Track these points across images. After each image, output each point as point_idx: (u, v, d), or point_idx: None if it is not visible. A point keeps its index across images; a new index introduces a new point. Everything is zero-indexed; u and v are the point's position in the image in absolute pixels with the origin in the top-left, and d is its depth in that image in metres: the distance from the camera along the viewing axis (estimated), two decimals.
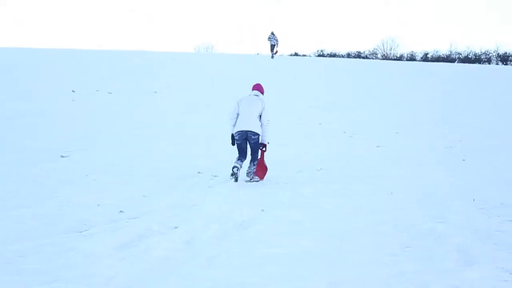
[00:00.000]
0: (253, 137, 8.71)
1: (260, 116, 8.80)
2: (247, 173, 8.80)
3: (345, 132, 13.35)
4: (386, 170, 9.54)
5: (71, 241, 5.67)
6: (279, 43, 33.13)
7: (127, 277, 4.80)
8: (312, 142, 12.17)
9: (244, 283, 4.72)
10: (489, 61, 49.14)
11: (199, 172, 9.20)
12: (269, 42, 33.14)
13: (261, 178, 8.93)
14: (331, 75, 26.73)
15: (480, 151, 11.16)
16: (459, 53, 51.34)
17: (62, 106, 15.55)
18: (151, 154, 10.49)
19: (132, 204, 7.17)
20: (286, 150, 10.92)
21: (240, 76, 22.10)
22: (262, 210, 7.04)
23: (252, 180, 8.78)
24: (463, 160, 10.36)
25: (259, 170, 8.92)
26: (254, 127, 8.70)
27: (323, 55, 54.20)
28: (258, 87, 9.19)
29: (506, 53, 48.91)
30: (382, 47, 57.95)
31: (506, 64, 47.19)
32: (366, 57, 54.30)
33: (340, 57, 53.13)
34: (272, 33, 32.71)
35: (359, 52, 55.97)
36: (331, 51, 56.12)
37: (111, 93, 18.24)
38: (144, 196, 7.65)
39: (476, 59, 49.23)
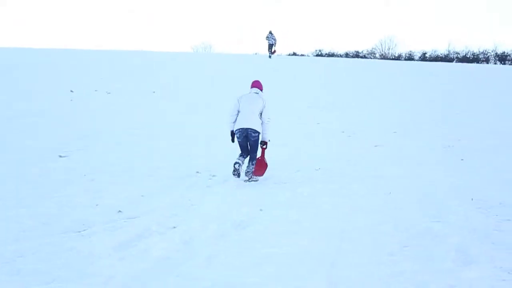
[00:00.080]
0: (253, 134, 8.72)
1: (261, 114, 8.81)
2: (245, 172, 8.81)
3: (343, 132, 13.35)
4: (385, 169, 9.54)
5: (70, 241, 5.68)
6: (277, 42, 33.12)
7: (126, 276, 4.81)
8: (310, 142, 12.17)
9: (243, 283, 4.73)
10: (487, 60, 49.20)
11: (197, 172, 9.21)
12: (267, 41, 33.12)
13: (261, 174, 8.95)
14: (330, 74, 26.74)
15: (479, 151, 11.16)
16: (457, 53, 51.45)
17: (61, 106, 15.53)
18: (150, 154, 10.49)
19: (131, 204, 7.17)
20: (285, 149, 10.92)
21: (239, 76, 22.10)
22: (261, 210, 7.05)
23: (250, 179, 8.78)
24: (462, 159, 10.36)
25: (259, 168, 8.94)
26: (254, 125, 8.71)
27: (321, 55, 54.23)
28: (257, 84, 9.19)
29: (504, 52, 49.01)
30: (380, 47, 58.08)
31: (504, 64, 47.24)
32: (364, 57, 54.35)
33: (338, 56, 53.14)
34: (270, 32, 32.67)
35: (358, 52, 56.03)
36: (329, 51, 56.21)
37: (109, 93, 18.22)
38: (142, 196, 7.65)
39: (474, 59, 49.29)
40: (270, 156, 9.29)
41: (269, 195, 7.83)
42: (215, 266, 5.12)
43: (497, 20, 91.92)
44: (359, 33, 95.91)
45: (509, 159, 10.44)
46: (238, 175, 8.64)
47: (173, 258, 5.30)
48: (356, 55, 55.02)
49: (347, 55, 54.92)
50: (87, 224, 6.27)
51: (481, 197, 7.68)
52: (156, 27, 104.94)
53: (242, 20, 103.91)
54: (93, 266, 5.00)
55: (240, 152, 8.88)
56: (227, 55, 40.16)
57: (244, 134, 8.71)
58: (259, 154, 9.00)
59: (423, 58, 51.01)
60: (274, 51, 33.55)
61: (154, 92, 18.88)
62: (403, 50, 65.12)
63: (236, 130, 8.77)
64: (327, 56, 52.37)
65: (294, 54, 54.45)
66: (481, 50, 50.05)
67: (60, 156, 9.98)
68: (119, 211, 6.83)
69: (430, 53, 51.88)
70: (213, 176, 8.99)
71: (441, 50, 52.77)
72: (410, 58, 51.92)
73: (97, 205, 7.10)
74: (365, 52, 56.60)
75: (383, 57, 55.20)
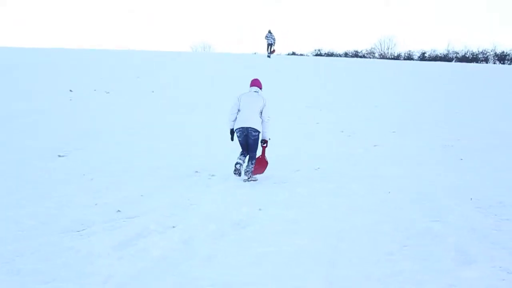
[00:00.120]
0: (253, 133, 8.74)
1: (261, 112, 8.83)
2: (245, 172, 8.81)
3: (343, 132, 13.35)
4: (384, 169, 9.54)
5: (69, 240, 5.68)
6: (276, 42, 33.08)
7: (124, 276, 4.81)
8: (310, 142, 12.17)
9: (242, 282, 4.74)
10: (486, 60, 49.21)
11: (196, 172, 9.21)
12: (266, 40, 33.07)
13: (262, 172, 8.98)
14: (329, 74, 26.73)
15: (478, 151, 11.17)
16: (457, 53, 51.46)
17: (60, 105, 15.53)
18: (149, 154, 10.49)
19: (130, 204, 7.17)
20: (284, 149, 10.92)
21: (238, 75, 22.08)
22: (259, 209, 7.05)
23: (249, 179, 8.78)
24: (461, 159, 10.37)
25: (260, 166, 8.96)
26: (255, 124, 8.73)
27: (320, 55, 54.21)
28: (256, 83, 9.20)
29: (503, 52, 49.01)
30: (379, 47, 58.06)
31: (503, 63, 47.26)
32: (363, 57, 54.35)
33: (337, 56, 53.14)
34: (269, 32, 32.60)
35: (357, 52, 56.04)
36: (328, 50, 56.20)
37: (108, 92, 18.22)
38: (141, 195, 7.65)
39: (473, 58, 49.29)
40: (269, 155, 9.30)
41: (268, 195, 7.83)
42: (214, 266, 5.12)
43: (496, 20, 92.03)
44: (358, 32, 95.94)
45: (509, 158, 10.44)
46: (239, 174, 8.70)
47: (172, 258, 5.30)
48: (355, 54, 55.03)
49: (346, 54, 54.93)
50: (86, 224, 6.27)
51: (480, 196, 7.69)
52: (155, 26, 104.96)
53: (242, 20, 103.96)
54: (92, 266, 5.00)
55: (240, 151, 8.91)
56: (227, 54, 40.12)
57: (244, 134, 8.73)
58: (259, 153, 9.01)
59: (422, 57, 51.01)
60: (273, 50, 33.50)
61: (153, 91, 18.88)
62: (402, 49, 65.12)
63: (236, 129, 8.78)
64: (326, 56, 52.35)
65: (293, 53, 54.46)
66: (480, 50, 50.13)
67: (59, 156, 9.98)
68: (118, 210, 6.83)
69: (429, 52, 51.94)
70: (212, 175, 8.99)
71: (440, 50, 52.90)
72: (409, 57, 51.94)
73: (96, 204, 7.10)
74: (364, 51, 56.65)
75: (382, 56, 55.21)
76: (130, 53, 34.93)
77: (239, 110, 8.85)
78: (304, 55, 52.87)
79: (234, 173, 8.68)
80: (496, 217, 6.75)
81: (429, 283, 4.73)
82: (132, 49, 44.61)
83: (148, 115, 14.75)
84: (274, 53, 34.35)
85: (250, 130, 8.71)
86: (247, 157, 8.88)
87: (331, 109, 16.85)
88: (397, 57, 53.02)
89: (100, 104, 16.13)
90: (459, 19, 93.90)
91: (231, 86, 18.12)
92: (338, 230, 6.23)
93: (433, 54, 51.58)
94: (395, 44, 58.36)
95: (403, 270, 5.01)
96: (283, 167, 9.55)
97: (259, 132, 8.79)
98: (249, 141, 8.77)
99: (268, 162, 9.04)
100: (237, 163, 8.66)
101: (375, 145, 11.73)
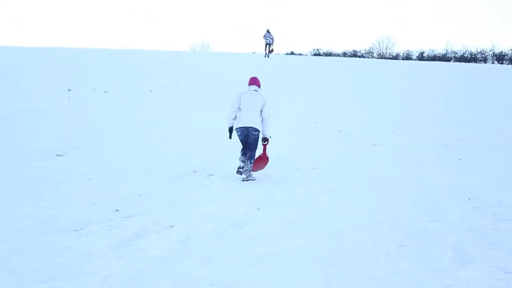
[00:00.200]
0: (253, 133, 8.77)
1: (261, 111, 8.86)
2: (243, 170, 8.82)
3: (341, 131, 13.36)
4: (382, 169, 9.54)
5: (67, 240, 5.67)
6: (274, 41, 33.04)
7: (123, 275, 4.80)
8: (308, 141, 12.17)
9: (240, 282, 4.73)
10: (485, 60, 49.22)
11: (195, 171, 9.20)
12: (264, 40, 33.00)
13: (262, 167, 9.03)
14: (328, 74, 26.74)
15: (477, 150, 11.17)
16: (455, 52, 51.42)
17: (59, 105, 15.51)
18: (148, 154, 10.48)
19: (128, 203, 7.16)
20: (283, 149, 10.91)
21: (238, 75, 22.05)
22: (258, 209, 7.05)
23: (248, 178, 8.78)
24: (459, 159, 10.37)
25: (260, 162, 9.01)
26: (255, 123, 8.78)
27: (319, 54, 54.19)
28: (255, 81, 9.21)
29: (502, 52, 49.01)
30: (378, 46, 58.03)
31: (501, 63, 47.28)
32: (362, 56, 54.34)
33: (336, 56, 53.13)
34: (268, 31, 32.55)
35: (355, 51, 56.01)
36: (327, 50, 56.16)
37: (107, 92, 18.20)
38: (140, 195, 7.65)
39: (472, 58, 49.30)
40: (268, 155, 9.29)
41: (267, 194, 7.83)
42: (213, 265, 5.12)
43: (495, 20, 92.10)
44: (356, 32, 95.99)
45: (508, 158, 10.44)
46: (241, 174, 8.79)
47: (170, 257, 5.29)
48: (354, 54, 55.00)
49: (344, 54, 54.91)
50: (84, 223, 6.26)
51: (478, 196, 7.69)
52: (154, 26, 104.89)
53: (241, 19, 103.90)
54: (90, 265, 4.99)
55: (241, 151, 8.96)
56: (225, 54, 40.12)
57: (245, 133, 8.77)
58: (258, 152, 9.02)
59: (421, 57, 51.01)
60: (272, 50, 33.48)
61: (151, 91, 18.86)
62: (401, 49, 65.08)
63: (237, 128, 8.81)
64: (325, 56, 52.33)
65: (292, 53, 54.42)
66: (479, 50, 50.10)
67: (58, 155, 9.96)
68: (117, 210, 6.82)
69: (428, 52, 51.89)
70: (211, 175, 8.99)
71: (439, 50, 52.67)
72: (408, 57, 51.94)
73: (94, 204, 7.09)
74: (362, 51, 56.62)
75: (381, 56, 55.20)
76: (128, 52, 34.90)
77: (239, 109, 8.87)
78: (302, 55, 52.86)
79: (237, 173, 8.86)
80: (495, 217, 6.75)
81: (427, 283, 4.73)
82: (130, 48, 44.59)
83: (148, 115, 14.73)
84: (273, 53, 34.32)
85: (251, 129, 8.74)
86: (247, 156, 8.89)
87: (329, 109, 16.85)
88: (395, 57, 53.01)
89: (99, 104, 16.11)
90: (458, 19, 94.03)
91: (231, 85, 18.09)
92: (337, 230, 6.22)
93: (432, 54, 51.56)
94: (393, 44, 58.25)
95: (402, 270, 5.01)
96: (281, 167, 9.55)
97: (259, 131, 8.83)
98: (249, 140, 8.79)
99: (269, 158, 9.05)
100: (240, 167, 8.82)
101: (373, 145, 11.74)
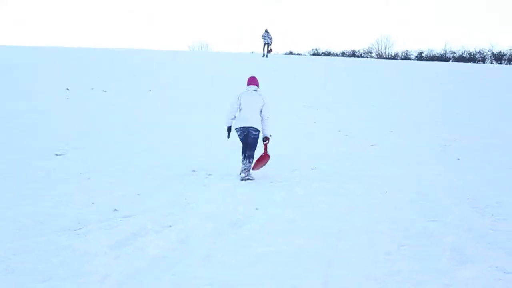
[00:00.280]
0: (254, 133, 8.81)
1: (261, 111, 8.88)
2: (242, 170, 8.83)
3: (340, 131, 13.36)
4: (381, 169, 9.55)
5: (66, 239, 5.66)
6: (273, 41, 32.96)
7: (121, 275, 4.80)
8: (307, 141, 12.18)
9: (239, 281, 4.73)
10: (483, 60, 49.23)
11: (193, 171, 9.20)
12: (262, 40, 32.95)
13: (263, 164, 9.05)
14: (326, 74, 26.74)
15: (475, 150, 11.18)
16: (454, 52, 51.41)
17: (58, 104, 15.49)
18: (147, 153, 10.47)
19: (127, 203, 7.16)
20: (281, 149, 10.91)
21: (236, 75, 22.04)
22: (257, 209, 7.05)
23: (247, 177, 8.78)
24: (458, 159, 10.38)
25: (262, 162, 9.04)
26: (255, 123, 8.82)
27: (318, 54, 54.17)
28: (254, 81, 9.22)
29: (500, 52, 49.02)
30: (376, 46, 58.01)
31: (500, 63, 47.29)
32: (361, 56, 54.33)
33: (335, 55, 53.10)
34: (266, 31, 32.48)
35: (354, 51, 55.99)
36: (326, 50, 56.12)
37: (105, 91, 18.19)
38: (138, 194, 7.64)
39: (470, 58, 49.31)
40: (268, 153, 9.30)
41: (266, 194, 7.84)
42: (212, 265, 5.12)
43: (494, 20, 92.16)
44: (355, 32, 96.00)
45: (507, 158, 10.46)
46: (248, 179, 8.81)
47: (169, 257, 5.29)
48: (353, 54, 54.96)
49: (343, 54, 54.87)
50: (83, 223, 6.26)
51: (477, 196, 7.70)
52: (153, 25, 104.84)
53: (240, 19, 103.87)
54: (89, 265, 4.99)
55: (242, 154, 8.98)
56: (224, 53, 40.09)
57: (245, 133, 8.82)
58: (258, 152, 9.03)
59: (420, 57, 51.01)
60: (271, 50, 33.42)
61: (150, 90, 18.85)
62: (399, 49, 65.08)
63: (237, 128, 8.85)
64: (324, 55, 52.31)
65: (291, 53, 54.38)
66: (478, 50, 50.10)
67: (56, 155, 9.96)
68: (115, 209, 6.82)
69: (426, 52, 51.88)
70: (209, 175, 8.99)
71: (438, 50, 52.65)
72: (406, 57, 51.92)
73: (93, 203, 7.09)
74: (361, 51, 56.60)
75: (380, 56, 55.18)
76: (127, 52, 34.86)
77: (240, 109, 8.89)
78: (301, 55, 52.83)
79: (239, 175, 8.83)
80: (493, 217, 6.76)
81: (426, 282, 4.73)
82: (129, 47, 44.55)
83: (148, 115, 14.71)
84: (271, 53, 34.29)
85: (251, 129, 8.78)
86: (246, 155, 8.90)
87: (328, 108, 16.85)
88: (394, 57, 53.00)
89: (98, 103, 16.10)
90: (457, 19, 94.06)
91: (230, 85, 18.08)
92: (336, 229, 6.23)
93: (430, 54, 51.54)
94: (392, 44, 58.19)
95: (401, 270, 5.01)
96: (280, 167, 9.55)
97: (259, 131, 8.86)
98: (249, 140, 8.82)
99: (269, 156, 9.08)
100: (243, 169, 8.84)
101: (372, 145, 11.74)
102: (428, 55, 51.21)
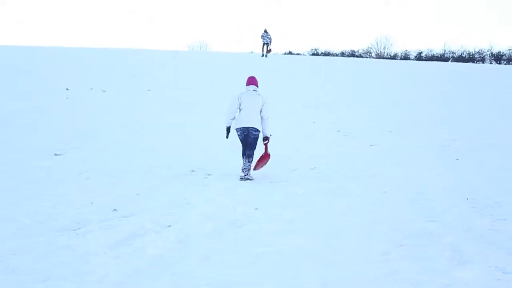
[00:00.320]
0: (254, 133, 8.83)
1: (261, 111, 8.89)
2: (242, 169, 8.83)
3: (339, 131, 13.36)
4: (380, 169, 9.55)
5: (65, 239, 5.66)
6: (272, 41, 32.92)
7: (120, 275, 4.80)
8: (306, 141, 12.17)
9: (238, 281, 4.73)
10: (482, 60, 49.24)
11: (193, 171, 9.20)
12: (261, 40, 32.92)
13: (265, 163, 9.05)
14: (326, 74, 26.72)
15: (474, 151, 11.18)
16: (453, 52, 51.41)
17: (58, 104, 15.47)
18: (147, 153, 10.46)
19: (126, 203, 7.16)
20: (281, 149, 10.90)
21: (235, 74, 22.02)
22: (256, 209, 7.05)
23: (246, 176, 8.78)
24: (457, 159, 10.39)
25: (263, 161, 9.06)
26: (256, 123, 8.84)
27: (317, 54, 54.16)
28: (254, 81, 9.22)
29: (499, 52, 49.02)
30: (376, 46, 58.01)
31: (499, 63, 47.31)
32: (360, 56, 54.32)
33: (334, 55, 53.09)
34: (265, 31, 32.43)
35: (353, 51, 55.98)
36: (325, 50, 56.10)
37: (105, 91, 18.18)
38: (137, 194, 7.64)
39: (470, 58, 49.32)
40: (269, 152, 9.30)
41: (265, 194, 7.84)
42: (211, 265, 5.12)
43: (493, 20, 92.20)
44: (354, 32, 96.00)
45: (506, 158, 10.46)
46: (247, 179, 8.81)
47: (168, 257, 5.29)
48: (352, 54, 54.94)
49: (342, 54, 54.86)
50: (82, 223, 6.26)
51: (476, 196, 7.71)
52: (152, 25, 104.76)
53: (240, 19, 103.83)
54: (88, 265, 4.99)
55: (242, 155, 8.99)
56: (223, 53, 40.07)
57: (245, 133, 8.83)
58: (258, 152, 9.03)
59: (419, 57, 51.02)
60: (270, 50, 33.38)
61: (149, 90, 18.84)
62: (399, 49, 65.04)
63: (237, 128, 8.87)
64: (323, 55, 52.30)
65: (290, 53, 54.36)
66: (477, 50, 50.11)
67: (56, 154, 9.95)
68: (114, 209, 6.82)
69: (425, 52, 51.88)
70: (209, 175, 8.99)
71: (437, 50, 52.64)
72: (406, 57, 51.92)
73: (92, 203, 7.09)
74: (361, 51, 56.59)
75: (379, 56, 55.18)
76: (127, 52, 34.83)
77: (240, 110, 8.89)
78: (300, 55, 52.83)
79: (240, 179, 8.79)
80: (492, 217, 6.77)
81: (425, 283, 4.73)
82: (129, 47, 44.53)
83: (147, 115, 14.69)
84: (271, 53, 34.27)
85: (251, 129, 8.80)
86: (246, 155, 8.90)
87: (328, 108, 16.83)
88: (393, 57, 52.99)
89: (98, 103, 16.08)
90: (456, 19, 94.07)
91: (230, 85, 18.07)
92: (335, 229, 6.23)
93: (430, 54, 51.54)
94: (391, 44, 58.15)
95: (400, 270, 5.02)
96: (279, 167, 9.55)
97: (259, 131, 8.88)
98: (249, 140, 8.84)
99: (270, 155, 9.09)
100: (242, 172, 8.83)
101: (371, 145, 11.74)
102: (428, 55, 51.22)
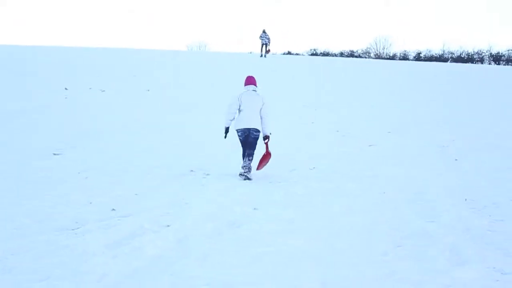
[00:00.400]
0: (254, 133, 8.87)
1: (261, 110, 8.92)
2: (242, 166, 8.83)
3: (338, 131, 13.35)
4: (379, 169, 9.55)
5: (64, 239, 5.66)
6: (271, 42, 32.89)
7: (119, 275, 4.80)
8: (306, 141, 12.17)
9: (238, 281, 4.73)
10: (481, 60, 49.28)
11: (191, 171, 9.19)
12: (260, 40, 32.90)
13: (266, 162, 9.06)
14: (325, 74, 26.73)
15: (474, 151, 11.18)
16: (452, 53, 51.46)
17: (57, 104, 15.46)
18: (147, 153, 10.45)
19: (124, 202, 7.16)
20: (280, 149, 10.89)
21: (235, 74, 22.03)
22: (255, 209, 7.04)
23: (245, 173, 8.77)
24: (456, 159, 10.39)
25: (264, 161, 9.06)
26: (256, 124, 8.88)
27: (316, 54, 54.17)
28: (252, 81, 9.23)
29: (498, 52, 49.08)
30: (375, 46, 58.04)
31: (498, 64, 47.34)
32: (359, 56, 54.34)
33: (333, 56, 53.11)
34: (264, 31, 32.41)
35: (352, 51, 55.99)
36: (324, 50, 56.12)
37: (104, 91, 18.17)
38: (136, 194, 7.64)
39: (468, 59, 49.36)
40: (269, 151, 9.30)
41: (264, 194, 7.83)
42: (210, 265, 5.11)
43: (492, 21, 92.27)
44: (354, 32, 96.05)
45: (505, 159, 10.46)
46: (245, 178, 8.77)
47: (167, 257, 5.29)
48: (351, 54, 54.97)
49: (341, 54, 54.88)
50: (80, 222, 6.25)
51: (474, 197, 7.71)
52: (151, 25, 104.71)
53: (239, 19, 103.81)
54: (86, 264, 4.98)
55: (243, 156, 8.99)
56: (222, 53, 40.06)
57: (245, 134, 8.85)
58: (259, 152, 9.03)
59: (418, 58, 51.05)
60: (269, 50, 33.37)
61: (148, 90, 18.83)
62: (397, 49, 65.08)
63: (238, 129, 8.88)
64: (322, 56, 52.31)
65: (289, 53, 54.37)
66: (476, 50, 50.15)
67: (54, 154, 9.94)
68: (113, 209, 6.81)
69: (424, 53, 51.94)
70: (207, 174, 8.98)
71: (436, 50, 52.77)
72: (404, 57, 51.95)
73: (90, 203, 7.08)
74: (359, 51, 56.61)
75: (378, 56, 55.21)
76: (126, 52, 34.82)
77: (240, 110, 8.89)
78: (299, 55, 52.83)
79: (240, 177, 8.78)
80: (491, 217, 6.77)
81: (424, 283, 4.73)
82: (128, 47, 44.50)
83: (147, 115, 14.68)
84: (269, 53, 34.26)
85: (252, 130, 8.85)
86: (246, 154, 8.90)
87: (328, 108, 16.84)
88: (392, 57, 53.02)
89: (97, 103, 16.07)
90: (455, 20, 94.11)
91: (229, 85, 18.07)
92: (335, 230, 6.23)
93: (429, 54, 51.60)
94: (390, 44, 58.22)
95: (398, 270, 5.02)
96: (279, 167, 9.54)
97: (260, 131, 8.90)
98: (249, 140, 8.87)
99: (271, 154, 9.10)
100: (243, 172, 8.79)
101: (370, 145, 11.74)
102: (426, 55, 51.27)
